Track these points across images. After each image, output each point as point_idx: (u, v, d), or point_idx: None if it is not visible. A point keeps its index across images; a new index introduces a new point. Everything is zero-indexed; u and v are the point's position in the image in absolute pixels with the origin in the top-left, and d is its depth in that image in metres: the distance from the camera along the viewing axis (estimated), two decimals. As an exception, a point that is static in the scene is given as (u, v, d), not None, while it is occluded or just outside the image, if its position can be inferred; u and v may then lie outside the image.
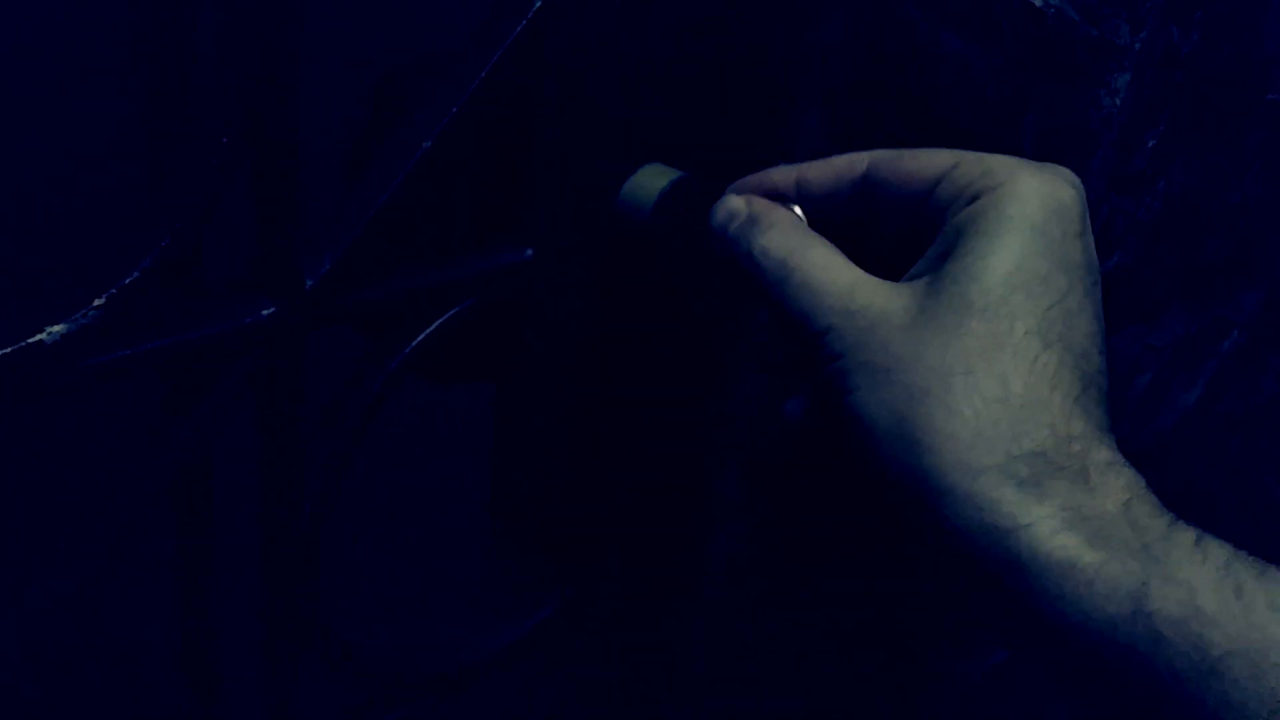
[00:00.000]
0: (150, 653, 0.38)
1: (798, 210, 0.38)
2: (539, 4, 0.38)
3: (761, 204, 0.37)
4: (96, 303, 0.32)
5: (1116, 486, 0.30)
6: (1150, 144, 0.40)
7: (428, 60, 0.41)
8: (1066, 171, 0.34)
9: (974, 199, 0.34)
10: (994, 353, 0.31)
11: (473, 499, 0.48)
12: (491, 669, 0.50)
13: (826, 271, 0.34)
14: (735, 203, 0.38)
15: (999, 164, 0.34)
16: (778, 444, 0.53)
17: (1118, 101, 0.39)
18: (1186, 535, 0.29)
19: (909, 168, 0.36)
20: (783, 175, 0.38)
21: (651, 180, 0.43)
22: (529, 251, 0.42)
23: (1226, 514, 0.62)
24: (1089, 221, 0.34)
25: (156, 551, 0.39)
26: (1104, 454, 0.31)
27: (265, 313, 0.35)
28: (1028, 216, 0.33)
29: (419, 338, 0.40)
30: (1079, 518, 0.30)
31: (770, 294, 0.36)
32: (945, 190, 0.35)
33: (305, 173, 0.36)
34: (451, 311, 0.41)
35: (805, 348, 0.35)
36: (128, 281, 0.32)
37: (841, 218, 0.37)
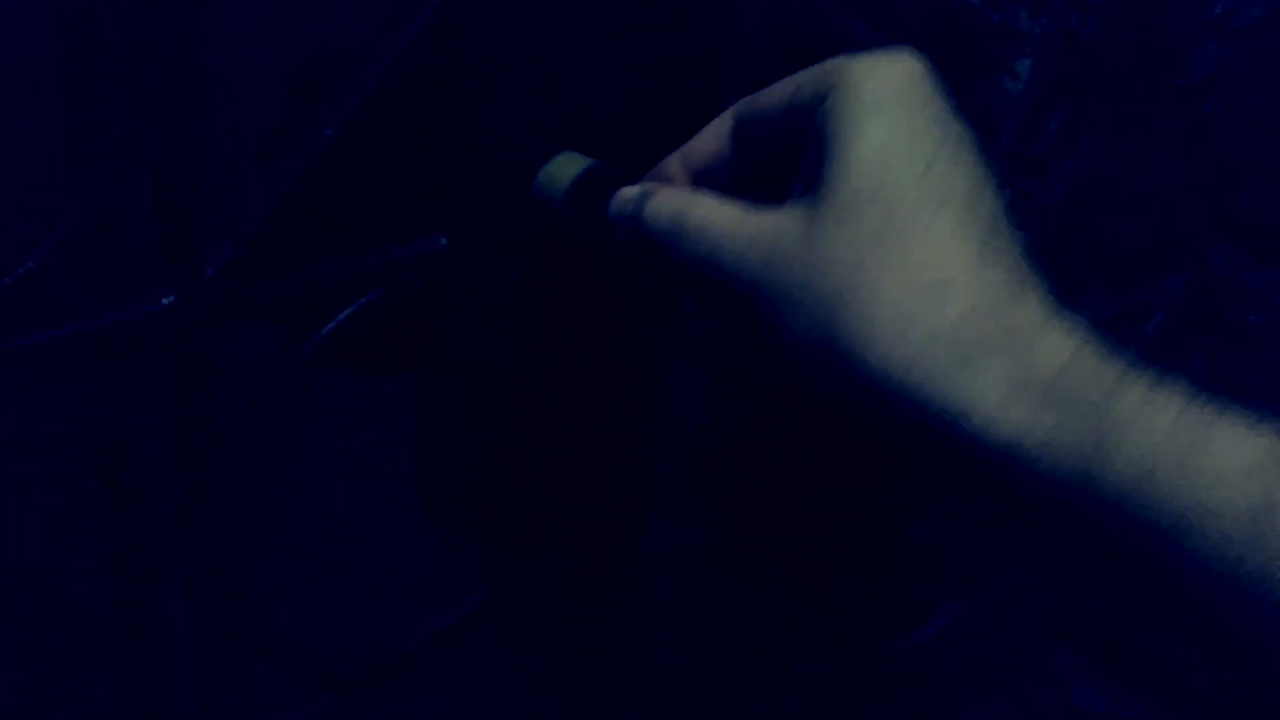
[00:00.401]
0: (84, 638, 0.38)
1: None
2: (447, -8, 0.39)
3: (650, 185, 0.38)
4: (-10, 293, 0.32)
5: (1053, 343, 0.29)
6: (1052, 127, 0.41)
7: (342, 50, 0.42)
8: (904, 51, 0.34)
9: (823, 100, 0.33)
10: (888, 235, 0.31)
11: (404, 487, 0.48)
12: (422, 657, 0.50)
13: (716, 215, 0.34)
14: (627, 190, 0.38)
15: (835, 62, 0.34)
16: (711, 430, 0.53)
17: (1020, 86, 0.39)
18: (1137, 387, 0.28)
19: (764, 102, 0.36)
20: (672, 161, 0.38)
21: (564, 168, 0.43)
22: (442, 240, 0.43)
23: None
24: (941, 89, 0.33)
25: (84, 541, 0.39)
26: (1031, 308, 0.30)
27: (166, 301, 0.35)
28: (875, 95, 0.32)
29: (329, 326, 0.40)
30: (1019, 387, 0.28)
31: (672, 257, 0.36)
32: (797, 105, 0.34)
33: (214, 163, 0.36)
34: (363, 300, 0.41)
35: (719, 295, 0.35)
36: (22, 271, 0.33)
37: (734, 180, 0.37)
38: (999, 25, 0.39)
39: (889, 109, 0.32)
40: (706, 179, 0.38)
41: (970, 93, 0.40)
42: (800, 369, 0.33)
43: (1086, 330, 0.29)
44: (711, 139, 0.38)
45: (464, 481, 0.48)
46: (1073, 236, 0.45)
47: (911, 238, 0.31)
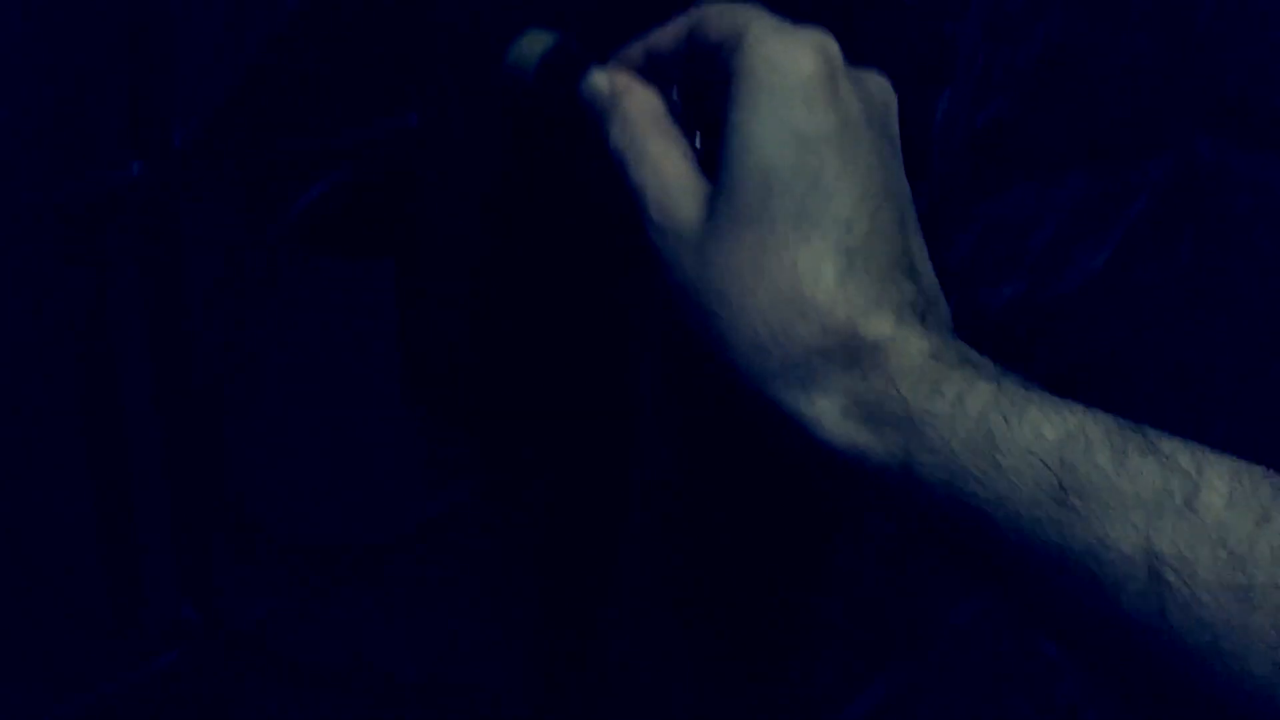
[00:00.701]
0: (55, 525, 0.39)
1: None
2: None
3: (623, 81, 0.38)
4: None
5: (884, 362, 0.32)
6: (1023, -12, 0.41)
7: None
8: (816, 33, 0.34)
9: (726, 72, 0.35)
10: (763, 254, 0.33)
11: (386, 373, 0.49)
12: (408, 546, 0.51)
13: (657, 172, 0.36)
14: (599, 79, 0.39)
15: (741, 22, 0.35)
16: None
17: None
18: (949, 391, 0.31)
19: (708, 25, 0.36)
20: (636, 49, 0.39)
21: (534, 45, 0.43)
22: (413, 117, 0.43)
23: (1143, 380, 0.63)
24: (840, 80, 0.34)
25: (55, 423, 0.39)
26: (872, 329, 0.32)
27: (135, 170, 0.36)
28: (778, 92, 0.33)
29: (298, 206, 0.40)
30: (855, 403, 0.32)
31: (619, 175, 0.37)
32: (715, 58, 0.36)
33: (183, 31, 0.36)
34: (331, 177, 0.41)
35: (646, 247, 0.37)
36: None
37: (688, 81, 0.38)
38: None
39: (788, 112, 0.33)
40: (664, 72, 0.39)
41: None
42: (695, 351, 0.35)
43: (926, 342, 0.32)
44: (671, 36, 0.39)
45: (444, 367, 0.49)
46: (1051, 107, 0.45)
47: (783, 258, 0.33)
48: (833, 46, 0.35)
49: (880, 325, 0.32)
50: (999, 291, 0.50)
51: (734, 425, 0.54)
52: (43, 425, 0.39)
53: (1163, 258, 0.60)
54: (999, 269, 0.49)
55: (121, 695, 0.44)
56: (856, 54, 0.42)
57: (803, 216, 0.32)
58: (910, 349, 0.32)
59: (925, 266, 0.35)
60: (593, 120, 0.39)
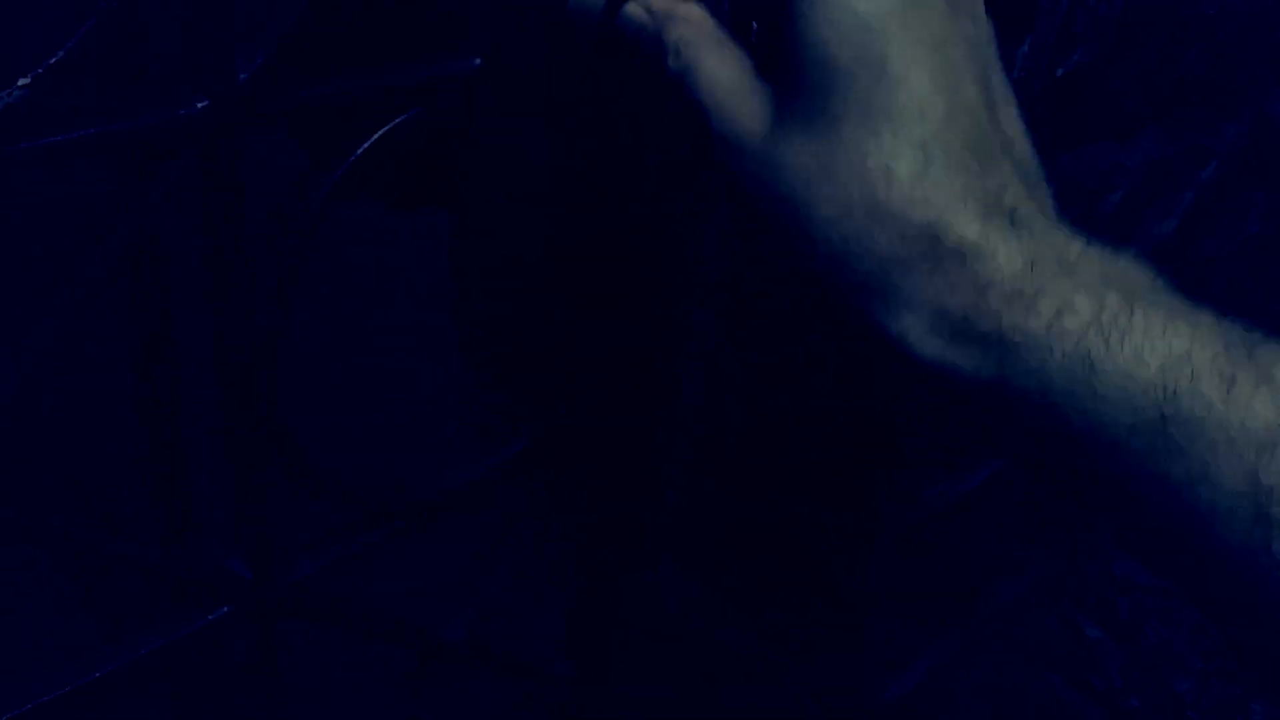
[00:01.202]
0: (110, 458, 0.38)
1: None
2: None
3: (664, 3, 0.37)
4: (21, 82, 0.31)
5: (972, 271, 0.30)
6: None
7: None
8: None
9: None
10: (829, 160, 0.31)
11: (441, 325, 0.48)
12: (457, 503, 0.50)
13: (717, 84, 0.34)
14: (635, 8, 0.38)
15: None
16: (747, 288, 0.52)
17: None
18: (1046, 309, 0.29)
19: None
20: None
21: None
22: (476, 60, 0.42)
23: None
24: None
25: (110, 353, 0.38)
26: (955, 233, 0.30)
27: (199, 105, 0.35)
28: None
29: (363, 146, 0.39)
30: (942, 318, 0.31)
31: (678, 94, 0.36)
32: None
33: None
34: (396, 120, 0.40)
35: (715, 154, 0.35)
36: (53, 61, 0.32)
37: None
38: None
39: (835, 21, 0.31)
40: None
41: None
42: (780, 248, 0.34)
43: (1019, 244, 0.30)
44: None
45: (498, 321, 0.48)
46: (1129, 61, 0.44)
47: (852, 159, 0.31)
48: None
49: (965, 227, 0.30)
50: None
51: (788, 377, 0.53)
52: (100, 368, 0.39)
53: (1231, 227, 0.58)
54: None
55: (173, 648, 0.43)
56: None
57: (870, 109, 0.30)
58: (1001, 255, 0.30)
59: (1018, 133, 0.32)
60: (643, 50, 0.38)
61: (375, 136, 0.40)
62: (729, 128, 0.34)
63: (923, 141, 0.30)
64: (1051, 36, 0.40)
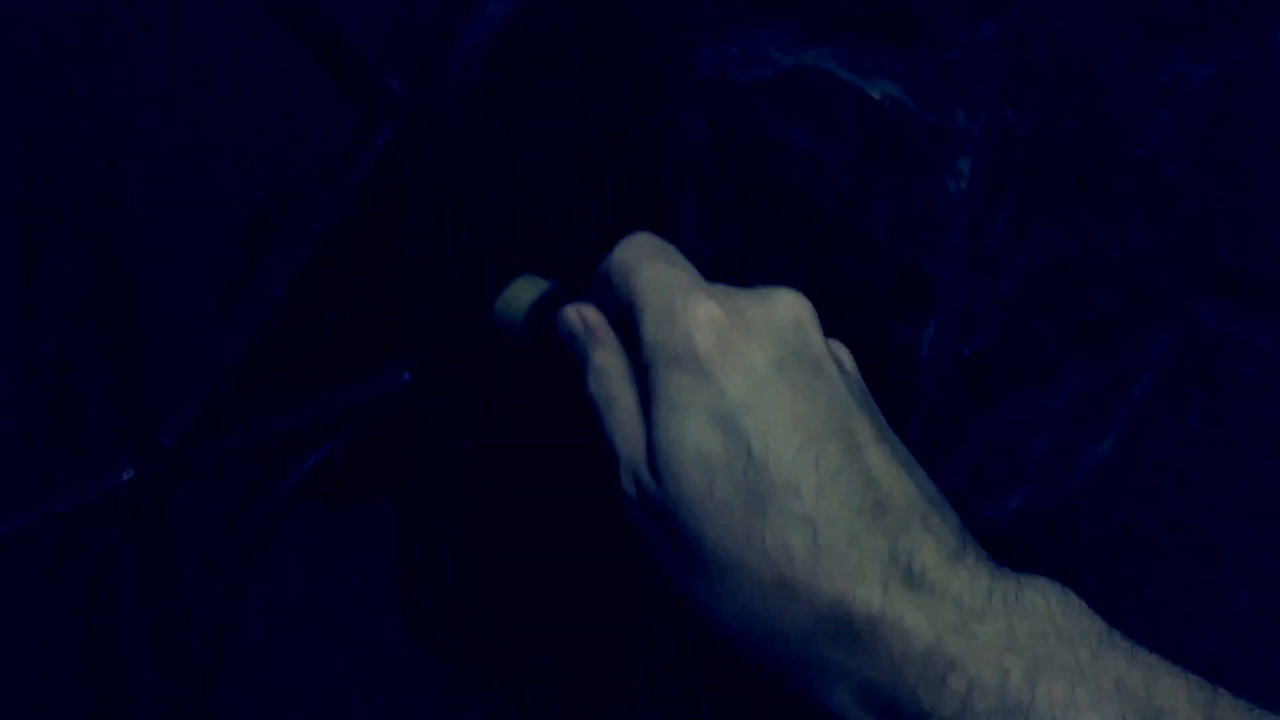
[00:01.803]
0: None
1: None
2: (388, 133, 0.39)
3: (597, 325, 0.38)
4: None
5: (884, 644, 0.30)
6: (1000, 224, 0.41)
7: (288, 194, 0.42)
8: (690, 299, 0.35)
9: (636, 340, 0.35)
10: (731, 542, 0.32)
11: (389, 613, 0.48)
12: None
13: (622, 437, 0.35)
14: (571, 316, 0.39)
15: (630, 292, 0.36)
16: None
17: (963, 185, 0.39)
18: (957, 684, 0.29)
19: (614, 286, 0.38)
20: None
21: (523, 293, 0.44)
22: (406, 375, 0.43)
23: (1167, 555, 0.62)
24: (733, 333, 0.34)
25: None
26: (861, 605, 0.30)
27: (125, 476, 0.36)
28: (673, 389, 0.33)
29: (293, 477, 0.40)
30: (868, 694, 0.30)
31: (596, 427, 0.37)
32: (625, 314, 0.37)
33: (163, 323, 0.37)
34: (329, 444, 0.41)
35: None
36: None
37: None
38: (936, 126, 0.39)
39: (691, 396, 0.32)
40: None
41: (913, 195, 0.40)
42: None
43: (922, 613, 0.30)
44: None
45: (448, 603, 0.48)
46: (1039, 322, 0.45)
47: (752, 540, 0.31)
48: (710, 307, 0.34)
49: (869, 598, 0.30)
50: (1003, 505, 0.49)
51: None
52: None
53: (1173, 428, 0.59)
54: (1001, 482, 0.48)
55: None
56: (831, 294, 0.42)
57: (751, 493, 0.31)
58: (909, 622, 0.30)
59: (897, 476, 0.32)
60: (570, 358, 0.39)
61: (306, 465, 0.41)
62: (629, 483, 0.35)
63: (805, 515, 0.31)
64: (955, 320, 0.41)
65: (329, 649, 0.49)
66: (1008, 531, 0.48)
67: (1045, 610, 0.30)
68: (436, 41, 0.39)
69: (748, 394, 0.32)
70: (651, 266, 0.36)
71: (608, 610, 0.53)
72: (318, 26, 0.35)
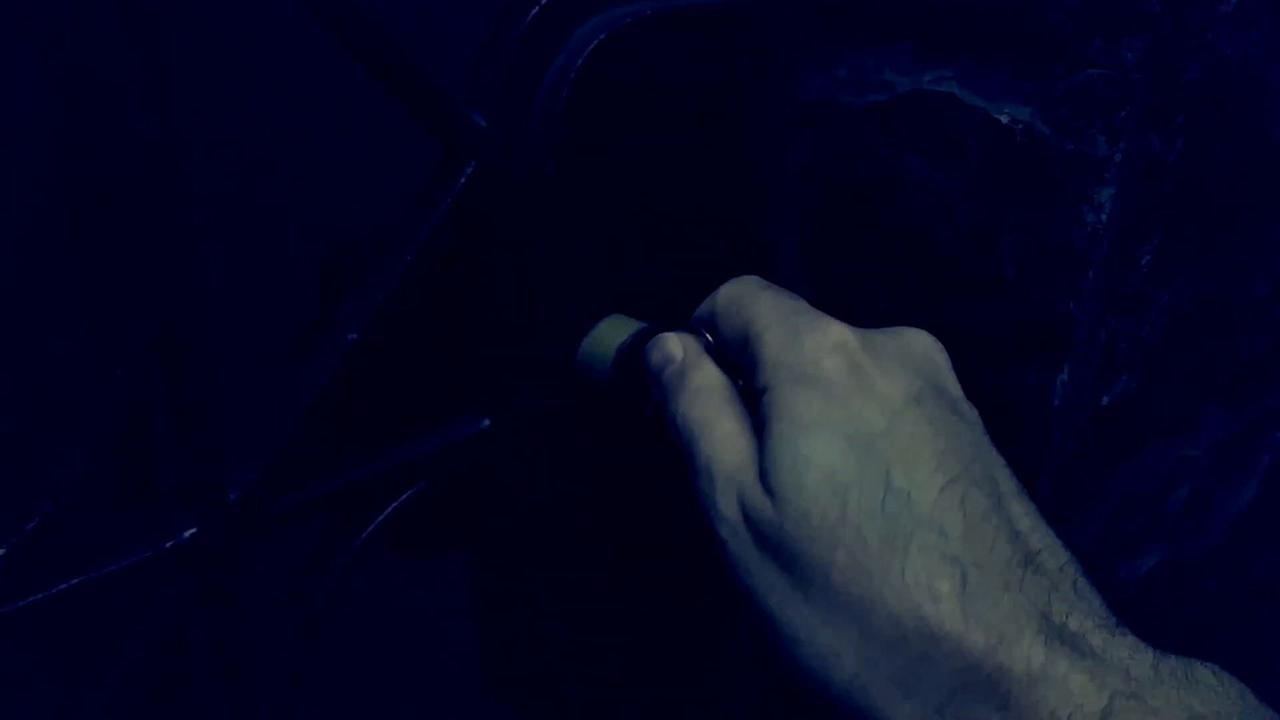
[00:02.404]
0: None
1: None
2: (471, 170, 0.36)
3: (693, 352, 0.35)
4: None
5: (1043, 711, 0.26)
6: (1144, 260, 0.36)
7: (365, 235, 0.40)
8: (818, 326, 0.32)
9: (753, 364, 0.33)
10: (861, 579, 0.28)
11: (467, 664, 0.46)
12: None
13: (723, 457, 0.32)
14: (670, 344, 0.36)
15: (746, 318, 0.33)
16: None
17: (1103, 218, 0.35)
18: None
19: (723, 321, 0.36)
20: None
21: (611, 334, 0.41)
22: (485, 422, 0.40)
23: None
24: (868, 366, 0.31)
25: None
26: (1019, 661, 0.27)
27: (187, 534, 0.34)
28: (804, 406, 0.30)
29: (367, 530, 0.38)
30: None
31: (683, 460, 0.34)
32: (738, 345, 0.34)
33: (234, 367, 0.34)
34: (404, 495, 0.39)
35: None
36: (37, 522, 0.31)
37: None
38: (1073, 153, 0.35)
39: (828, 411, 0.29)
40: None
41: (1046, 229, 0.36)
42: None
43: (1085, 675, 0.26)
44: (707, 313, 0.37)
45: (527, 656, 0.45)
46: (1177, 368, 0.41)
47: (890, 583, 0.28)
48: (840, 329, 0.31)
49: (1028, 653, 0.26)
50: (1138, 564, 0.44)
51: None
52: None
53: (1316, 475, 0.54)
54: (1136, 540, 0.44)
55: None
56: (951, 337, 0.38)
57: (892, 524, 0.28)
58: (1073, 684, 0.26)
59: (1041, 533, 0.29)
60: (661, 387, 0.36)
61: (380, 517, 0.38)
62: (730, 506, 0.31)
63: (953, 556, 0.28)
64: (1093, 369, 0.37)
65: (404, 702, 0.46)
66: (1139, 595, 0.44)
67: (1221, 691, 0.26)
68: (522, 74, 0.36)
69: (886, 420, 0.29)
70: (769, 295, 0.34)
71: (692, 665, 0.50)
72: (396, 59, 0.33)
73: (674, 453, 0.35)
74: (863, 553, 0.28)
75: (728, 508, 0.31)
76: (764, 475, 0.30)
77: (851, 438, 0.29)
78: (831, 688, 0.29)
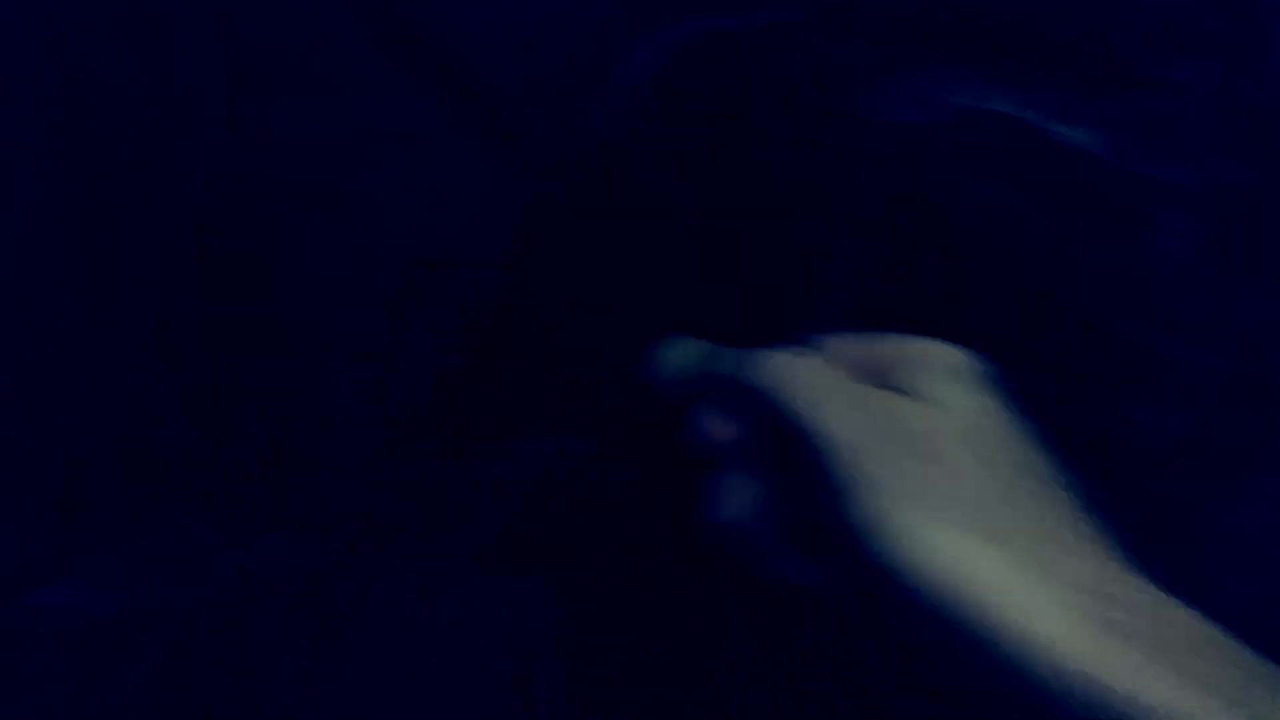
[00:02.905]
0: None
1: None
2: (540, 190, 0.37)
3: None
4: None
5: None
6: (1218, 288, 0.36)
7: (436, 260, 0.40)
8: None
9: None
10: None
11: (550, 687, 0.46)
12: None
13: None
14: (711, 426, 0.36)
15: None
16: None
17: (1175, 244, 0.35)
18: None
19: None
20: None
21: (676, 355, 0.41)
22: (558, 444, 0.41)
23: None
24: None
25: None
26: None
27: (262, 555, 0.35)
28: None
29: (443, 554, 0.39)
30: None
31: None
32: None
33: (312, 397, 0.35)
34: (477, 521, 0.39)
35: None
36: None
37: None
38: (1142, 178, 0.35)
39: None
40: None
41: (1114, 255, 0.36)
42: None
43: None
44: None
45: (607, 684, 0.46)
46: (1252, 396, 0.40)
47: None
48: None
49: None
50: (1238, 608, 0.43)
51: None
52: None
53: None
54: (1227, 580, 0.43)
55: None
56: (1013, 367, 0.38)
57: None
58: None
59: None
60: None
61: (458, 541, 0.39)
62: None
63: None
64: (1170, 394, 0.37)
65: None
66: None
67: None
68: (588, 95, 0.37)
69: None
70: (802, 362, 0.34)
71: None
72: (466, 80, 0.34)
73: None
74: None
75: None
76: None
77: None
78: None
